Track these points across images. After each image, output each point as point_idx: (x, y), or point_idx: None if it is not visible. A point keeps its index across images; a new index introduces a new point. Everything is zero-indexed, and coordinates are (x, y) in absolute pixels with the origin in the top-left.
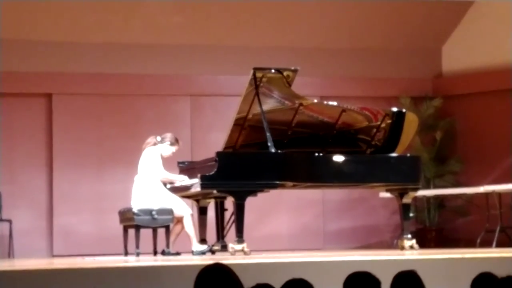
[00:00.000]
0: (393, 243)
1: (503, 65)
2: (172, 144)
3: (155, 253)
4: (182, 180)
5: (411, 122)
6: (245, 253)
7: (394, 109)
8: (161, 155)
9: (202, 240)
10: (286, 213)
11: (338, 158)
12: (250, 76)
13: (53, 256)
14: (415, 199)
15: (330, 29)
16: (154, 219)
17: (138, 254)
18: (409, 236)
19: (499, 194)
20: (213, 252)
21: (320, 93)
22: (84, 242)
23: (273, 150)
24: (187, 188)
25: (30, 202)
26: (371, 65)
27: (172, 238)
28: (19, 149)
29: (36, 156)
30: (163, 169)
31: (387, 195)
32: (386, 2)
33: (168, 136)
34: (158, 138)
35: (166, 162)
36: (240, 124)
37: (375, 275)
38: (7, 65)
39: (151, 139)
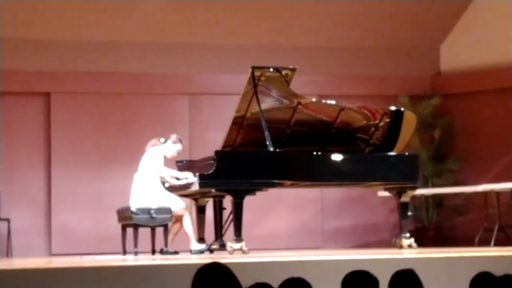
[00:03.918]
0: (391, 242)
1: (502, 63)
2: (174, 142)
3: (153, 252)
4: (186, 177)
5: (410, 120)
6: (244, 252)
7: (393, 107)
8: (165, 156)
9: (201, 239)
10: (285, 212)
11: (337, 157)
12: (248, 75)
13: (52, 255)
14: (414, 197)
15: (328, 28)
16: (152, 218)
17: (136, 253)
18: (408, 235)
19: (498, 193)
20: (211, 251)
21: (319, 92)
22: (82, 241)
23: (271, 149)
24: (185, 187)
25: (28, 201)
26: (370, 63)
27: (170, 237)
28: (18, 148)
29: (35, 155)
30: (165, 167)
31: (386, 193)
32: (385, 1)
33: (171, 136)
34: (162, 140)
35: (165, 160)
36: (238, 123)
37: (373, 274)
38: (5, 64)
39: (154, 141)
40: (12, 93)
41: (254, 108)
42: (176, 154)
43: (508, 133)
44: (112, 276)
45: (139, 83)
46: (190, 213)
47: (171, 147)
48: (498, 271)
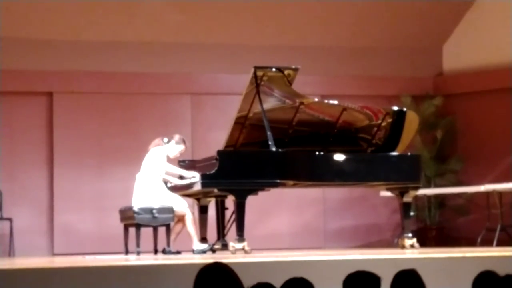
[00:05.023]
0: (393, 242)
1: (504, 64)
2: (177, 143)
3: (155, 251)
4: (193, 176)
5: (412, 121)
6: (246, 252)
7: (395, 108)
8: (167, 156)
9: (203, 239)
10: (287, 211)
11: (339, 156)
12: (251, 74)
13: (54, 254)
14: (416, 198)
15: (331, 27)
16: (154, 217)
17: (138, 253)
18: (410, 235)
19: (500, 193)
20: (213, 251)
21: (321, 92)
22: (84, 241)
23: (273, 149)
24: (188, 186)
25: (30, 201)
26: (372, 63)
27: (172, 236)
28: (20, 148)
29: (37, 155)
30: (170, 165)
31: (388, 194)
32: (387, 1)
33: (175, 136)
34: (165, 140)
35: (168, 160)
36: (241, 122)
37: (375, 273)
38: (8, 63)
39: (158, 141)
40: (15, 92)
41: (257, 108)
42: (178, 155)
43: (510, 133)
44: (114, 276)
45: (141, 83)
46: (193, 213)
47: (174, 148)
48: (500, 271)
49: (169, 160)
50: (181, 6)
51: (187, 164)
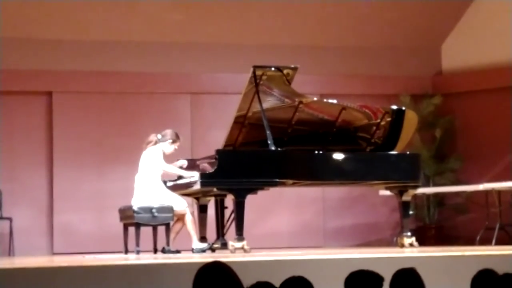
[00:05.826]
0: (393, 241)
1: (503, 63)
2: (173, 141)
3: (155, 251)
4: (192, 176)
5: (411, 120)
6: (245, 251)
7: (394, 107)
8: (164, 153)
9: (202, 238)
10: (286, 211)
11: (338, 156)
12: (250, 74)
13: (54, 254)
14: (415, 196)
15: (329, 27)
16: (154, 217)
17: (138, 252)
18: (409, 233)
19: (499, 192)
20: (213, 250)
21: (320, 91)
22: (84, 240)
23: (273, 148)
24: (187, 186)
25: (30, 200)
26: (371, 63)
27: (172, 236)
28: (20, 147)
29: (37, 154)
30: (168, 164)
31: (387, 192)
32: (386, 1)
33: (169, 133)
34: (159, 136)
35: (166, 159)
36: (240, 122)
37: (377, 273)
38: (7, 63)
39: (152, 138)
40: (14, 92)
41: (256, 107)
42: (174, 151)
43: (509, 132)
44: (114, 275)
45: (141, 83)
46: (192, 212)
47: (170, 146)
48: (499, 270)
49: (166, 157)
50: (180, 6)
51: (187, 163)
